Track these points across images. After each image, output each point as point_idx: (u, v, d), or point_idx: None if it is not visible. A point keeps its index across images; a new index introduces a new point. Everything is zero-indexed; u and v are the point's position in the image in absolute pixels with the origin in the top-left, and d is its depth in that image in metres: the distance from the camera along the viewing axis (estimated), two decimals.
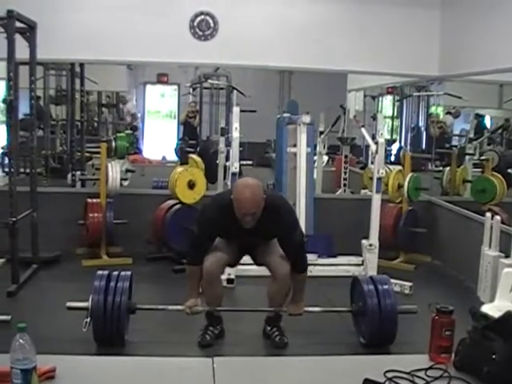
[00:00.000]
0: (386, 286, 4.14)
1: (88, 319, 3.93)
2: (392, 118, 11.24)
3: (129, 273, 4.14)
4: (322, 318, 4.98)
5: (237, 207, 3.75)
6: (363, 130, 6.59)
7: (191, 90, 11.25)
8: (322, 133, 8.96)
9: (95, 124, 11.26)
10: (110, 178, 6.32)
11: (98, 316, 3.89)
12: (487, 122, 9.67)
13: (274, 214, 3.86)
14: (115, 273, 4.10)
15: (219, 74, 10.43)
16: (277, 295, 4.20)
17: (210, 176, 7.43)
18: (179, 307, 4.16)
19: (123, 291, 3.96)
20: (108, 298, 3.90)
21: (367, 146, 7.78)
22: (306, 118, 6.29)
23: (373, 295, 4.07)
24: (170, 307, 4.25)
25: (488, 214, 5.18)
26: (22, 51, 5.34)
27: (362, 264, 5.93)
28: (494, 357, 2.15)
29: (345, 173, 8.80)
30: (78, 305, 4.02)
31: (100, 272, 4.12)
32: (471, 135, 8.45)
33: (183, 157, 7.07)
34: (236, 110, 5.93)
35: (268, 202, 3.82)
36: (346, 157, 8.88)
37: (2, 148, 8.58)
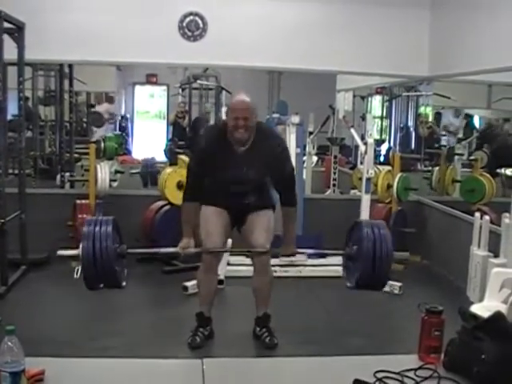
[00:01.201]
0: (383, 231, 4.02)
1: (79, 267, 3.81)
2: (381, 118, 11.27)
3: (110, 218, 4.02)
4: (312, 317, 5.00)
5: (230, 114, 3.92)
6: (352, 130, 6.60)
7: (180, 90, 11.26)
8: (311, 133, 8.98)
9: (84, 125, 11.24)
10: (99, 179, 6.31)
11: (89, 262, 3.68)
12: (476, 122, 9.73)
13: (266, 138, 4.04)
14: (104, 218, 3.97)
15: (208, 74, 10.43)
16: (261, 284, 4.24)
17: None
18: (172, 249, 4.13)
19: (112, 235, 3.75)
20: (96, 244, 3.69)
21: (356, 147, 7.82)
22: (296, 119, 6.31)
23: (370, 238, 3.85)
24: (163, 250, 4.21)
25: (477, 214, 5.20)
26: (10, 52, 5.32)
27: None
28: (483, 357, 2.16)
29: (334, 173, 8.80)
30: (69, 252, 3.87)
31: (89, 218, 4.00)
32: (460, 135, 8.50)
33: (172, 157, 7.05)
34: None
35: (260, 127, 4.04)
36: (335, 157, 8.89)
37: None
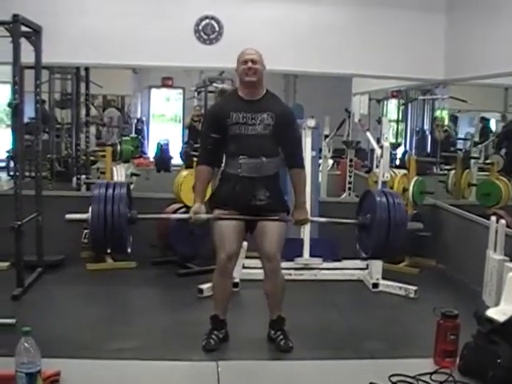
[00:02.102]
0: (397, 200, 3.94)
1: (87, 230, 3.77)
2: (397, 121, 11.24)
3: (127, 182, 3.92)
4: (327, 321, 5.00)
5: (239, 59, 4.15)
6: (368, 133, 6.60)
7: (196, 93, 11.27)
8: (326, 136, 8.95)
9: (100, 128, 11.28)
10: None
11: (98, 225, 3.67)
12: (492, 125, 9.67)
13: (277, 98, 4.27)
14: (114, 182, 3.88)
15: (224, 77, 10.43)
16: (273, 288, 4.25)
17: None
18: (183, 215, 4.12)
19: (121, 199, 3.73)
20: (108, 208, 3.66)
21: (372, 150, 7.80)
22: (311, 122, 6.30)
23: (384, 207, 3.84)
24: (173, 216, 4.20)
25: (493, 218, 5.17)
26: (27, 55, 5.36)
27: (367, 268, 5.93)
28: (499, 361, 2.14)
29: (350, 176, 8.78)
30: (78, 216, 3.85)
31: (98, 181, 3.94)
32: (476, 139, 8.45)
33: (188, 160, 7.06)
34: None
35: (273, 93, 4.25)
36: (350, 160, 8.86)
37: (8, 152, 8.60)
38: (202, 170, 4.16)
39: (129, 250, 3.82)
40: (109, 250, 3.80)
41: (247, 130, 4.05)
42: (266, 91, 4.18)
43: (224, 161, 4.18)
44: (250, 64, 4.07)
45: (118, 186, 3.81)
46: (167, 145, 8.23)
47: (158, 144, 8.27)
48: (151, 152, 13.06)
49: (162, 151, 7.95)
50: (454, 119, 9.74)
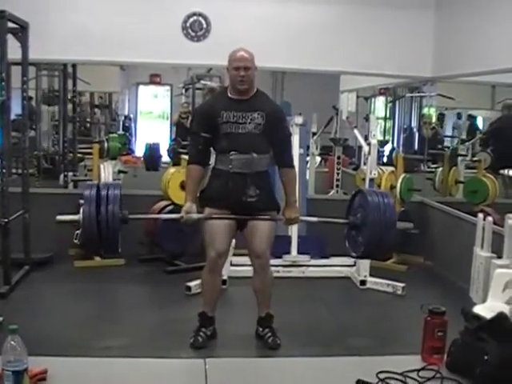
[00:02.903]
0: (387, 200, 3.97)
1: (79, 231, 3.75)
2: (384, 119, 11.26)
3: (119, 182, 3.89)
4: (315, 318, 5.00)
5: (231, 63, 4.05)
6: (356, 131, 6.61)
7: (184, 90, 11.26)
8: (314, 134, 8.98)
9: (87, 125, 11.24)
10: (102, 178, 6.30)
11: (90, 226, 3.65)
12: (479, 123, 9.71)
13: (266, 97, 4.24)
14: (105, 183, 3.87)
15: (212, 74, 10.44)
16: (261, 285, 4.26)
17: None
18: (174, 215, 4.10)
19: (114, 200, 3.71)
20: (100, 208, 3.66)
21: (360, 147, 7.80)
22: (299, 119, 6.31)
23: (375, 206, 3.85)
24: (164, 216, 4.18)
25: (480, 215, 5.19)
26: (14, 51, 5.33)
27: (355, 265, 5.94)
28: (486, 358, 2.15)
29: (337, 174, 8.81)
30: (69, 217, 3.85)
31: (90, 183, 3.92)
32: (463, 136, 8.48)
33: (176, 158, 7.05)
34: None
35: (263, 92, 4.21)
36: (338, 158, 8.88)
37: None
38: (193, 169, 4.14)
39: (119, 250, 3.81)
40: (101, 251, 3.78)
41: (238, 129, 4.03)
42: (257, 90, 4.15)
43: (214, 157, 4.17)
44: (242, 72, 3.99)
45: (112, 186, 3.80)
46: (157, 144, 8.21)
47: (147, 144, 8.25)
48: (139, 149, 13.05)
49: (151, 150, 7.92)
50: (441, 117, 9.77)
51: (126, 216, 3.76)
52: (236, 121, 4.02)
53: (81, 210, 3.69)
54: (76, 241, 3.66)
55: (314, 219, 4.32)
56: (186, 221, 4.06)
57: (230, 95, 4.10)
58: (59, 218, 3.84)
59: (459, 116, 9.66)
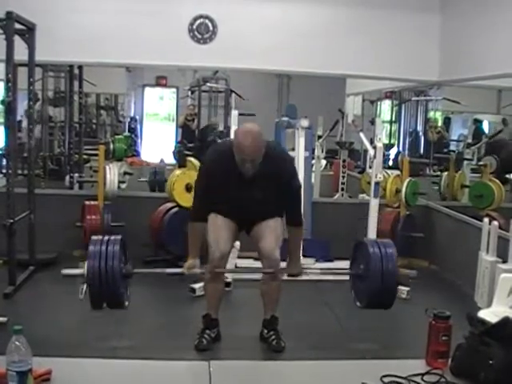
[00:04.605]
0: (389, 250, 4.02)
1: (84, 286, 3.82)
2: (390, 122, 11.26)
3: (119, 237, 3.95)
4: (320, 321, 4.99)
5: (237, 153, 3.81)
6: (361, 134, 6.60)
7: (190, 93, 11.27)
8: (320, 137, 8.97)
9: (93, 126, 11.28)
10: (107, 180, 6.32)
11: (94, 281, 3.72)
12: (485, 127, 9.70)
13: (273, 160, 3.93)
14: (109, 237, 3.93)
15: (218, 77, 10.45)
16: (270, 289, 4.23)
17: None
18: (177, 270, 4.12)
19: (118, 255, 3.78)
20: (102, 263, 3.71)
21: (365, 151, 7.81)
22: (305, 122, 6.30)
23: (377, 258, 3.91)
24: (168, 270, 4.20)
25: (486, 220, 5.18)
26: (20, 53, 5.34)
27: None
28: (490, 362, 2.15)
29: (343, 177, 8.79)
30: (74, 272, 3.89)
31: (94, 237, 3.98)
32: (469, 140, 8.47)
33: (181, 160, 7.06)
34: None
35: (268, 150, 3.88)
36: (344, 161, 8.87)
37: (0, 149, 8.58)
38: (196, 226, 4.11)
39: (126, 304, 3.86)
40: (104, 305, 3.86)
41: (242, 196, 4.00)
42: (264, 156, 3.88)
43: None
44: (248, 164, 3.83)
45: (112, 242, 3.83)
46: (162, 168, 8.24)
47: (152, 169, 8.31)
48: (144, 151, 13.07)
49: (156, 174, 7.98)
50: (447, 121, 9.78)
51: (129, 271, 3.81)
52: (240, 188, 3.97)
53: (85, 266, 3.76)
54: (81, 296, 3.72)
55: (317, 271, 4.34)
56: (190, 275, 4.11)
57: (235, 161, 3.87)
58: (64, 271, 3.94)
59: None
